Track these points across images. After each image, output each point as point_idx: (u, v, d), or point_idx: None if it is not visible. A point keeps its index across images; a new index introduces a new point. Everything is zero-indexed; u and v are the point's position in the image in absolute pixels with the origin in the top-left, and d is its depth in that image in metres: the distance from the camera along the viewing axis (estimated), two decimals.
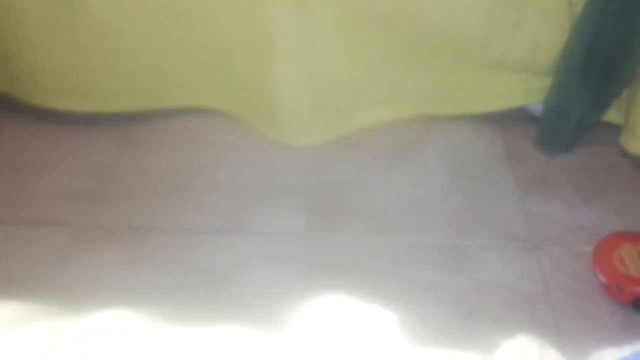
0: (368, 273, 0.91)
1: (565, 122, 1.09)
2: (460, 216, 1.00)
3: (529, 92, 1.12)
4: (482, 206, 1.02)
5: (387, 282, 0.89)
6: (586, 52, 1.01)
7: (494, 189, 1.05)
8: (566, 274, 0.91)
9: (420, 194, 1.03)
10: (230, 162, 1.09)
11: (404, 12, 1.02)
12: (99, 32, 1.06)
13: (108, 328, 0.74)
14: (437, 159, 1.10)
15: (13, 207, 1.00)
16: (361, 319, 0.77)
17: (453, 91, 1.14)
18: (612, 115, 1.10)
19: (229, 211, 1.00)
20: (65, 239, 0.95)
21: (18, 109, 1.14)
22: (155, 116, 1.15)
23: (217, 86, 1.12)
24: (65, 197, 1.02)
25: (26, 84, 1.12)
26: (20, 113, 1.14)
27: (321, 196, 1.03)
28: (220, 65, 1.09)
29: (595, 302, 0.87)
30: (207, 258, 0.93)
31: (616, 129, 1.09)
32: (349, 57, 1.07)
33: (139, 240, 0.95)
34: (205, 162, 1.09)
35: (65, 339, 0.71)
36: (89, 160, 1.09)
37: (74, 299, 0.85)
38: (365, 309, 0.78)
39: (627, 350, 0.47)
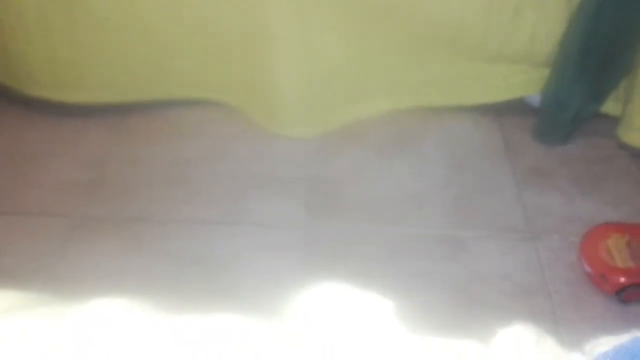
0: (366, 263, 0.91)
1: (563, 114, 1.09)
2: (459, 207, 1.00)
3: (526, 83, 1.12)
4: (480, 197, 1.02)
5: (386, 272, 0.89)
6: (584, 43, 1.01)
7: (491, 180, 1.05)
8: (563, 265, 0.91)
9: (418, 185, 1.03)
10: (228, 153, 1.09)
11: (402, 3, 1.02)
12: (96, 24, 1.05)
13: (104, 316, 0.74)
14: (436, 150, 1.10)
15: (10, 198, 1.00)
16: (359, 307, 0.77)
17: (451, 83, 1.13)
18: (610, 107, 1.10)
19: (227, 202, 1.00)
20: (62, 230, 0.95)
21: (15, 100, 1.14)
22: (153, 107, 1.15)
23: (214, 77, 1.12)
24: (62, 188, 1.02)
25: (23, 75, 1.12)
26: (17, 104, 1.14)
27: (320, 187, 1.03)
28: (218, 57, 1.09)
29: (591, 292, 0.87)
30: (205, 248, 0.93)
31: (614, 121, 1.10)
32: (347, 48, 1.07)
33: (136, 231, 0.95)
34: (202, 153, 1.09)
35: (62, 327, 0.71)
36: (85, 151, 1.09)
37: (71, 289, 0.85)
38: (364, 297, 0.78)
39: (624, 337, 0.48)
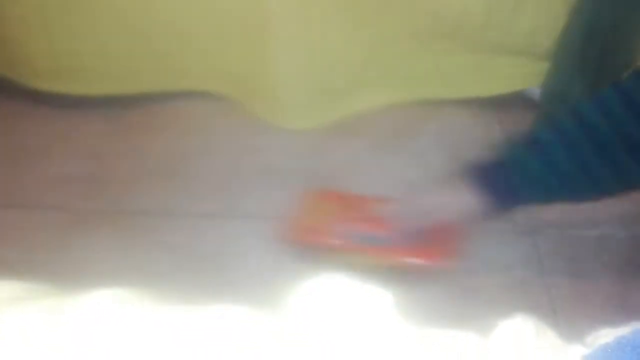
0: None
1: (562, 107, 1.08)
2: None
3: (526, 76, 1.12)
4: None
5: None
6: (584, 36, 1.01)
7: None
8: (562, 258, 0.91)
9: (417, 178, 1.03)
10: (225, 146, 1.08)
11: None
12: (95, 15, 1.05)
13: (102, 308, 0.74)
14: (435, 143, 1.09)
15: (7, 190, 1.00)
16: (358, 299, 0.77)
17: (451, 75, 1.13)
18: None
19: (225, 194, 1.00)
20: (60, 223, 0.95)
21: (14, 92, 1.13)
22: (152, 100, 1.15)
23: (213, 69, 1.12)
24: (60, 180, 1.02)
25: (22, 66, 1.12)
26: (16, 96, 1.14)
27: (318, 180, 1.03)
28: (217, 48, 1.08)
29: (591, 285, 0.87)
30: (203, 241, 0.93)
31: None
32: (346, 40, 1.06)
33: (135, 224, 0.95)
34: (201, 146, 1.08)
35: (60, 319, 0.71)
36: (84, 143, 1.09)
37: (69, 281, 0.84)
38: (363, 289, 0.78)
39: (626, 329, 0.48)
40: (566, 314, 0.83)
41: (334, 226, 0.88)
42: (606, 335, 0.49)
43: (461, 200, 0.79)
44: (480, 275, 0.88)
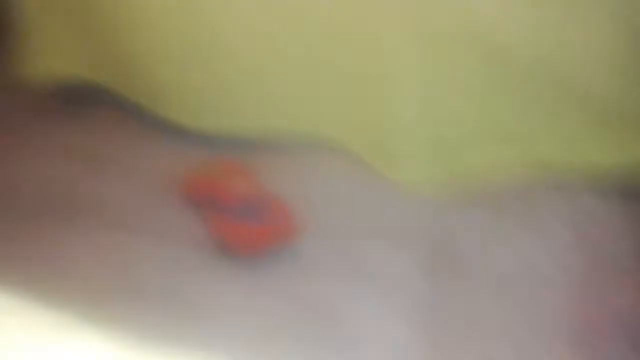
0: (486, 346, 0.84)
1: None
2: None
3: None
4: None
5: None
6: None
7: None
8: None
9: (549, 265, 0.96)
10: (345, 200, 1.06)
11: (529, 57, 0.98)
12: (226, 52, 1.06)
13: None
14: (570, 227, 1.01)
15: (138, 216, 1.01)
16: None
17: (571, 141, 1.06)
18: None
19: (338, 250, 0.97)
20: (187, 254, 0.95)
21: (145, 120, 1.16)
22: (270, 147, 1.14)
23: (329, 116, 1.11)
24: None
25: (157, 97, 1.14)
26: (147, 124, 1.16)
27: (436, 247, 0.98)
28: (334, 95, 1.08)
29: None
30: (318, 290, 0.91)
31: None
32: (467, 94, 1.04)
33: (258, 273, 0.93)
34: (318, 198, 1.06)
35: None
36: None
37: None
38: None
39: None
40: None
41: (209, 189, 1.00)
42: None
43: None
44: None
